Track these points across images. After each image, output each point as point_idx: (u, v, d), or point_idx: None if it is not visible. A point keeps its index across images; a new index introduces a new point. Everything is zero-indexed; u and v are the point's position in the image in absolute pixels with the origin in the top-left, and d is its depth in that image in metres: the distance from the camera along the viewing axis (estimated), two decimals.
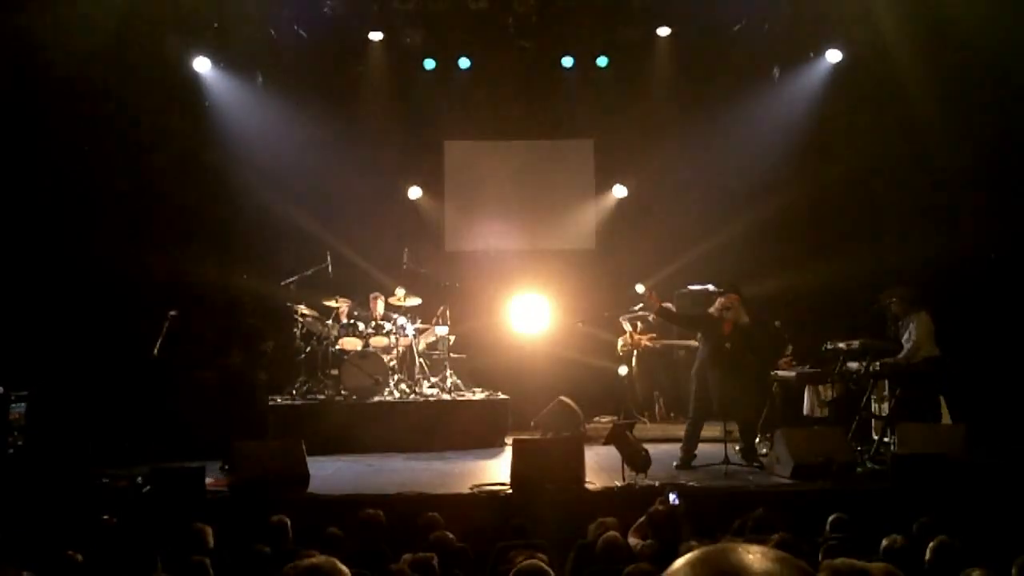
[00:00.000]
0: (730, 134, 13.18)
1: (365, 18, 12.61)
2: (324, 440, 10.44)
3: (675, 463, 9.58)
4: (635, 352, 12.29)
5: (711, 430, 9.93)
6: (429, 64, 13.28)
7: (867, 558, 4.83)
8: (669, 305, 11.36)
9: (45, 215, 11.75)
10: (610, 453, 9.17)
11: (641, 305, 12.09)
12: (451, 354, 12.34)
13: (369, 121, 13.58)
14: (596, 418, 12.07)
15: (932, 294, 10.21)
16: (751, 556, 2.10)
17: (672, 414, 12.08)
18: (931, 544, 5.36)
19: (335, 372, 11.63)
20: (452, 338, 12.47)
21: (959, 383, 9.97)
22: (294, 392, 11.66)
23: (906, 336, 9.76)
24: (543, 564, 4.56)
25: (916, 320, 9.70)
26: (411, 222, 13.92)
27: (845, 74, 12.81)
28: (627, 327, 12.34)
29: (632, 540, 6.20)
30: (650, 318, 12.13)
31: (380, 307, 12.12)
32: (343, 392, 11.46)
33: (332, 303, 11.93)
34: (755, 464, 9.47)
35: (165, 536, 6.23)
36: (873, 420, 10.04)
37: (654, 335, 12.22)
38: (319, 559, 3.08)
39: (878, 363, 9.79)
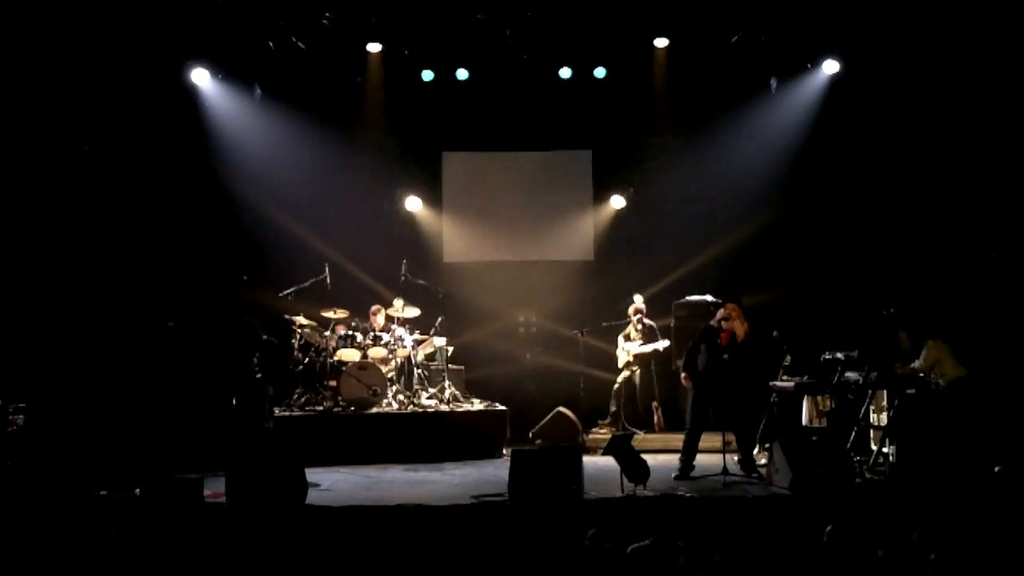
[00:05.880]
0: (728, 145, 13.22)
1: (363, 29, 12.63)
2: (322, 452, 10.45)
3: (673, 474, 9.58)
4: (631, 361, 12.24)
5: (709, 441, 9.92)
6: (427, 75, 13.29)
7: (866, 569, 4.84)
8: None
9: (44, 225, 11.75)
10: (609, 464, 9.17)
11: (637, 316, 12.14)
12: (449, 365, 12.35)
13: (367, 132, 13.60)
14: (594, 429, 12.07)
15: (941, 320, 10.13)
16: None
17: (666, 424, 12.06)
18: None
19: (333, 383, 11.62)
20: (450, 349, 12.48)
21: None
22: (292, 403, 11.66)
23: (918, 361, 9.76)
24: None
25: (927, 348, 9.67)
26: (409, 233, 13.94)
27: (843, 85, 12.84)
28: (625, 344, 12.31)
29: None
30: (638, 326, 12.16)
31: (381, 320, 12.12)
32: (341, 403, 11.46)
33: (330, 314, 11.93)
34: (754, 475, 9.48)
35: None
36: (871, 430, 10.04)
37: (642, 340, 12.20)
38: None
39: (875, 373, 9.78)
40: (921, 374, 9.66)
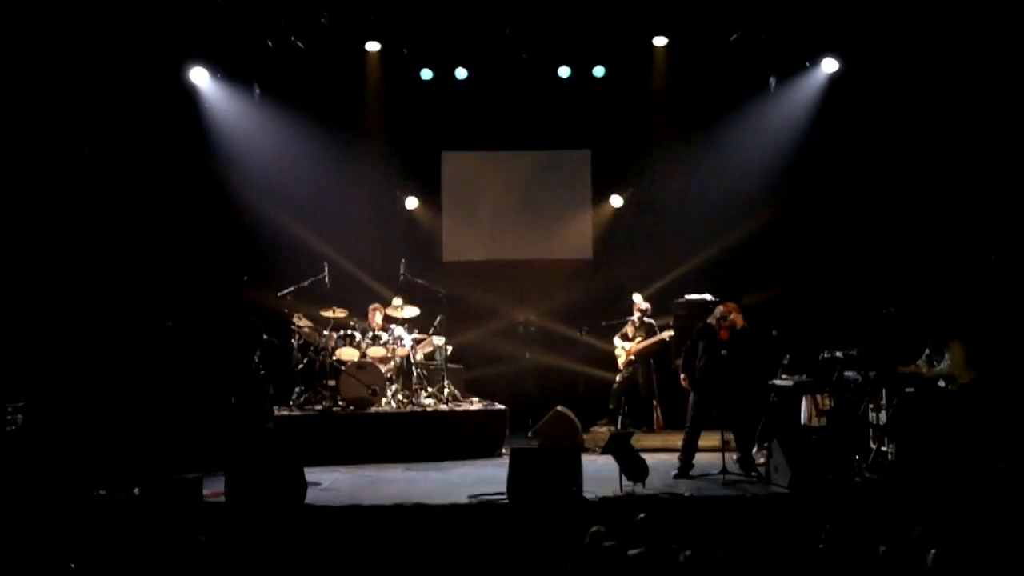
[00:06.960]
0: (727, 144, 13.25)
1: (362, 28, 12.63)
2: (322, 451, 10.44)
3: (673, 473, 9.57)
4: (633, 360, 12.26)
5: (709, 439, 9.92)
6: (426, 74, 13.30)
7: (864, 567, 4.85)
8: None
9: (44, 225, 11.75)
10: (608, 462, 9.17)
11: (637, 315, 12.17)
12: (448, 364, 12.35)
13: (366, 132, 13.61)
14: (594, 427, 12.07)
15: (964, 321, 10.09)
16: None
17: (666, 423, 12.07)
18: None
19: (332, 383, 11.63)
20: (449, 348, 12.48)
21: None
22: (291, 403, 11.66)
23: (941, 363, 9.71)
24: None
25: (950, 350, 9.65)
26: (409, 233, 13.94)
27: (842, 84, 12.84)
28: (622, 343, 12.33)
29: None
30: (637, 323, 12.19)
31: (379, 318, 12.12)
32: (340, 403, 11.46)
33: (329, 314, 11.93)
34: (753, 474, 9.47)
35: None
36: (871, 429, 10.03)
37: (641, 337, 12.22)
38: None
39: (874, 372, 9.77)
40: (941, 382, 9.58)
